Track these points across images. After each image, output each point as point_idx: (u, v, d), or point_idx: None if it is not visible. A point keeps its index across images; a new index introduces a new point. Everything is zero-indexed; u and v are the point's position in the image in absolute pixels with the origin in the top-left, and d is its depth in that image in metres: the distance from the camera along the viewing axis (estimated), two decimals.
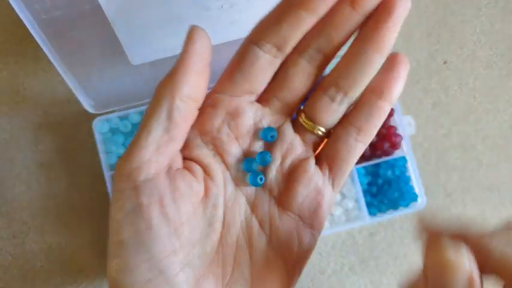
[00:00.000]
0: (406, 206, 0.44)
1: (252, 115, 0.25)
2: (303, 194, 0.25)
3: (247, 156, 0.25)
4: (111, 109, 0.41)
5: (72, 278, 0.44)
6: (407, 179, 0.44)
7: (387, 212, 0.44)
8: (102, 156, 0.41)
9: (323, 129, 0.25)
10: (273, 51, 0.23)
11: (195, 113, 0.23)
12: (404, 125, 0.44)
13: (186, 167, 0.24)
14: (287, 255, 0.25)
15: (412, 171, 0.44)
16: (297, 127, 0.25)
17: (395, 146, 0.43)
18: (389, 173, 0.44)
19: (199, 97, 0.23)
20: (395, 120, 0.44)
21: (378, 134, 0.43)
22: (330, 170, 0.25)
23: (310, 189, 0.25)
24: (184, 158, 0.24)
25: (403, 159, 0.44)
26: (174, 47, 0.34)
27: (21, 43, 0.45)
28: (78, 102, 0.38)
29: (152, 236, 0.21)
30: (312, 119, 0.25)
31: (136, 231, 0.21)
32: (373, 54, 0.23)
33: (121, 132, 0.43)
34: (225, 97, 0.24)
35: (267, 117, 0.25)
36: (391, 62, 0.23)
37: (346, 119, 0.25)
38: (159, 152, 0.22)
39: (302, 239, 0.25)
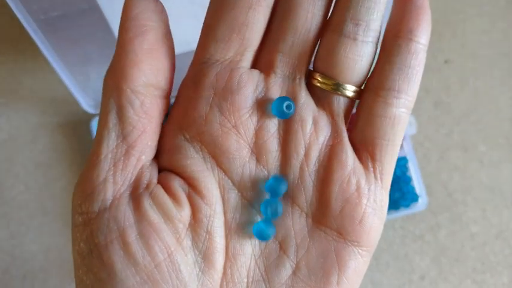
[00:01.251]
0: (407, 206, 0.44)
1: (252, 88, 0.18)
2: (340, 199, 0.18)
3: (256, 154, 0.18)
4: None
5: (71, 278, 0.44)
6: (408, 179, 0.44)
7: (388, 212, 0.44)
8: None
9: (352, 88, 0.18)
10: None
11: (163, 103, 0.18)
12: None
13: (161, 183, 0.18)
14: None
15: (413, 171, 0.44)
16: (313, 97, 0.19)
17: None
18: None
19: (162, 81, 0.17)
20: None
21: None
22: (372, 158, 0.18)
23: (350, 192, 0.18)
24: (162, 169, 0.18)
25: (404, 159, 0.44)
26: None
27: (19, 42, 0.44)
28: (76, 102, 0.38)
29: (117, 286, 0.16)
30: (332, 75, 0.18)
31: (99, 280, 0.16)
32: None
33: None
34: (209, 67, 0.17)
35: (273, 87, 0.18)
36: None
37: (375, 82, 0.18)
38: (116, 168, 0.17)
39: (344, 264, 0.18)
